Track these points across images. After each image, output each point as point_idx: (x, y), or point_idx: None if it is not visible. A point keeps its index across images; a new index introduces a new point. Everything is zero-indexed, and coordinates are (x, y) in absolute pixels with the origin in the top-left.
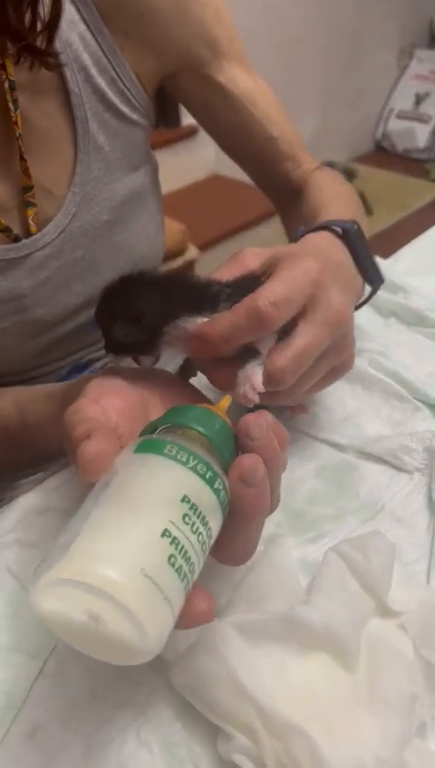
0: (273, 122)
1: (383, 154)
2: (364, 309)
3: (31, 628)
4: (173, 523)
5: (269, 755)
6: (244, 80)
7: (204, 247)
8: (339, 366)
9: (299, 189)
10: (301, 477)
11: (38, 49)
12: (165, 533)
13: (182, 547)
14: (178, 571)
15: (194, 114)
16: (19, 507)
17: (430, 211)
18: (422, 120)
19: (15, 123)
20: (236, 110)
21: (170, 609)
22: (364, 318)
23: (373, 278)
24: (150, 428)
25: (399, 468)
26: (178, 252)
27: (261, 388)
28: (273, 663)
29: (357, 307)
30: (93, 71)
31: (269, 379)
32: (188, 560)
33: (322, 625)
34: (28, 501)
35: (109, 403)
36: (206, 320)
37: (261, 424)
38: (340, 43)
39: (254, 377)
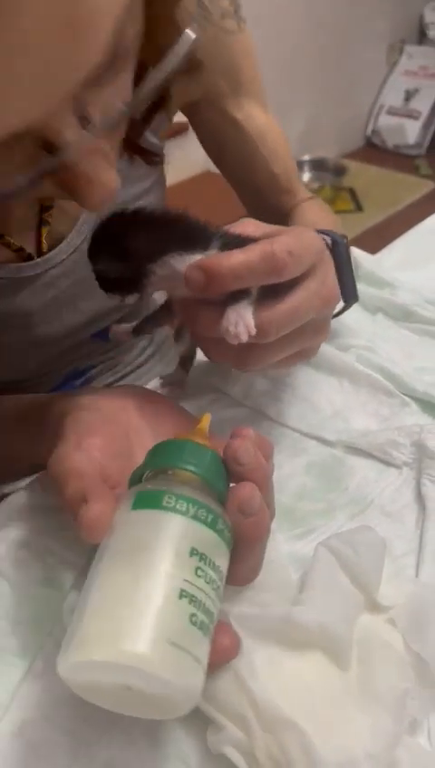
0: (277, 159)
1: (374, 150)
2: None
3: (18, 628)
4: (187, 581)
5: (260, 748)
6: (258, 116)
7: None
8: (307, 349)
9: (289, 215)
10: (289, 473)
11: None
12: (182, 595)
13: (200, 602)
14: (201, 627)
15: (202, 140)
16: (8, 506)
17: (421, 206)
18: (412, 116)
19: None
20: (245, 145)
21: (200, 665)
22: (352, 314)
23: (349, 295)
24: (138, 475)
25: (387, 463)
26: None
27: (253, 329)
28: (268, 656)
29: None
30: None
31: (257, 328)
32: (207, 611)
33: (317, 626)
34: (17, 499)
35: (90, 444)
36: (198, 257)
37: (248, 448)
38: (329, 40)
39: (247, 316)
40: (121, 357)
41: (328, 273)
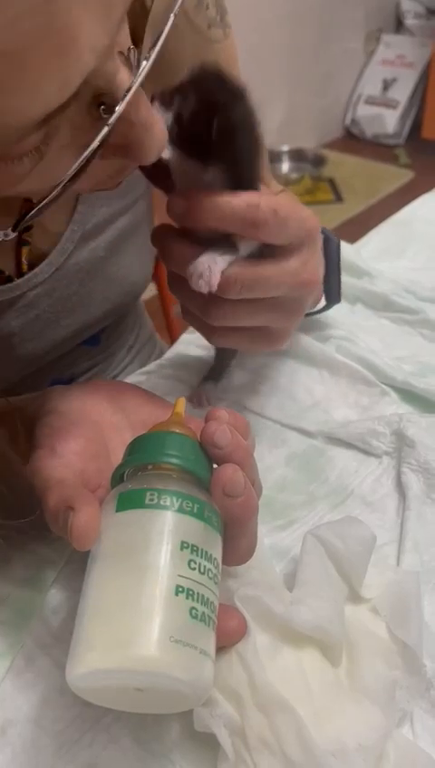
0: None
1: (353, 140)
2: None
3: None
4: (182, 576)
5: (252, 728)
6: None
7: None
8: (277, 330)
9: None
10: (270, 465)
11: None
12: (178, 590)
13: (198, 594)
14: (203, 618)
15: None
16: None
17: (400, 196)
18: (390, 105)
19: None
20: None
21: (207, 657)
22: None
23: (332, 296)
24: (119, 474)
25: (367, 452)
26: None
27: (215, 285)
28: (270, 639)
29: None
30: None
31: (221, 281)
32: (206, 602)
33: (313, 627)
34: None
35: (65, 448)
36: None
37: (224, 431)
38: (307, 30)
39: (216, 268)
40: (110, 361)
41: (312, 257)
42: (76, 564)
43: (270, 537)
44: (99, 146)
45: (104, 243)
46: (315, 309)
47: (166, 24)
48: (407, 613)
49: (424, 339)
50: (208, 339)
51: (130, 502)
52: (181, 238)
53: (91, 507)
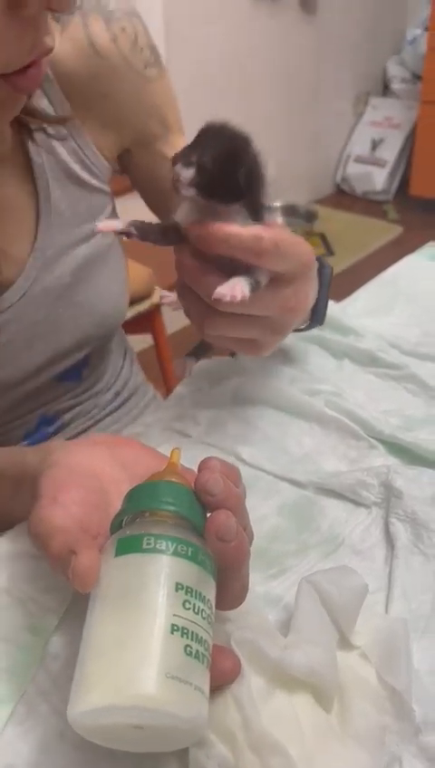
0: None
1: (343, 196)
2: (318, 352)
3: (0, 675)
4: (177, 616)
5: None
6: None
7: (171, 289)
8: (262, 342)
9: None
10: (263, 515)
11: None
12: (174, 629)
13: (193, 633)
14: (197, 656)
15: (137, 183)
16: None
17: (390, 250)
18: (379, 164)
19: None
20: None
21: (202, 693)
22: (319, 360)
23: (317, 318)
24: (118, 521)
25: (357, 503)
26: (146, 295)
27: (244, 296)
28: (264, 682)
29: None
30: (55, 142)
31: (218, 295)
32: (200, 640)
33: (307, 672)
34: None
35: (67, 498)
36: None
37: (217, 479)
38: (299, 93)
39: (243, 287)
40: (95, 401)
41: (305, 290)
42: (76, 612)
43: (263, 585)
44: None
45: (69, 269)
46: (298, 328)
47: None
48: (396, 659)
49: (409, 393)
50: (204, 338)
51: (128, 546)
52: (194, 256)
53: (91, 551)
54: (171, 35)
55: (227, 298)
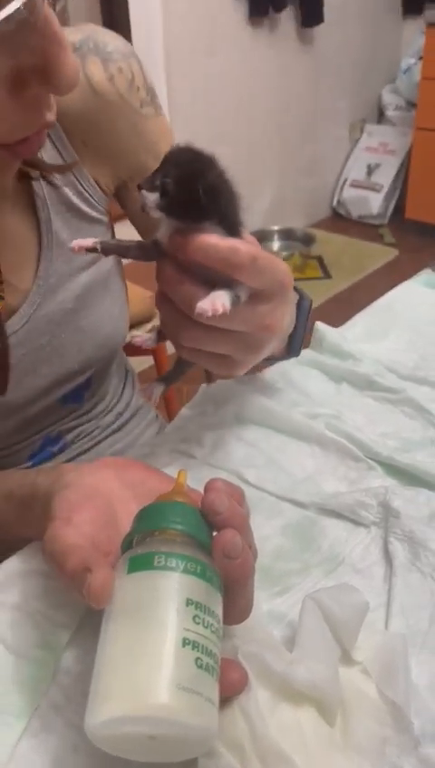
0: None
1: (340, 220)
2: (318, 376)
3: (14, 689)
4: (188, 630)
5: None
6: None
7: None
8: (237, 361)
9: None
10: (267, 535)
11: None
12: (185, 643)
13: (203, 646)
14: (207, 668)
15: (132, 217)
16: (2, 572)
17: (386, 272)
18: (374, 188)
19: None
20: None
21: (212, 704)
22: (319, 385)
23: (295, 348)
24: (129, 540)
25: (356, 522)
26: (147, 318)
27: (226, 308)
28: (271, 695)
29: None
30: (56, 176)
31: (200, 310)
32: (210, 653)
33: (311, 686)
34: (11, 564)
35: (79, 518)
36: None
37: (222, 498)
38: (297, 120)
39: (221, 299)
40: (97, 422)
41: (281, 309)
42: (88, 628)
43: (268, 603)
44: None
45: (72, 295)
46: (274, 359)
47: None
48: (395, 674)
49: (406, 416)
50: (178, 352)
51: (140, 564)
52: (173, 262)
53: (106, 569)
54: (172, 66)
55: (209, 313)
